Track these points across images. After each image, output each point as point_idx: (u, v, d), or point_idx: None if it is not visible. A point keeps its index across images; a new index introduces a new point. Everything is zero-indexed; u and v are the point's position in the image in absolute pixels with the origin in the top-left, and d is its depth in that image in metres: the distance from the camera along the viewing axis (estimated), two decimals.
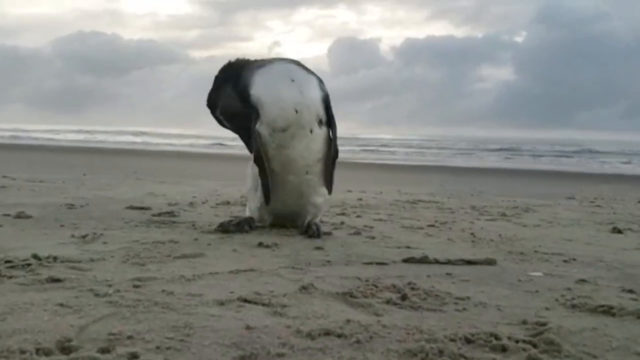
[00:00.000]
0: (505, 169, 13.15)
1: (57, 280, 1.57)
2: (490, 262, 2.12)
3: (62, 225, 2.61)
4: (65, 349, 1.08)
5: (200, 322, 1.26)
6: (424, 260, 2.10)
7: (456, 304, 1.52)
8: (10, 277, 1.60)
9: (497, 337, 1.20)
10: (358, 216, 3.44)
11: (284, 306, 1.42)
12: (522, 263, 2.16)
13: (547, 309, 1.50)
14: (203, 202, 3.84)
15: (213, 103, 2.91)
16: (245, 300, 1.45)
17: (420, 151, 22.48)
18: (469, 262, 2.10)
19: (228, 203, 3.84)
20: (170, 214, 3.12)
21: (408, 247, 2.39)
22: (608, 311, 1.47)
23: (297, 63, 2.69)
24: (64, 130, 37.27)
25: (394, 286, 1.65)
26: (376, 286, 1.65)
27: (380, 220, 3.30)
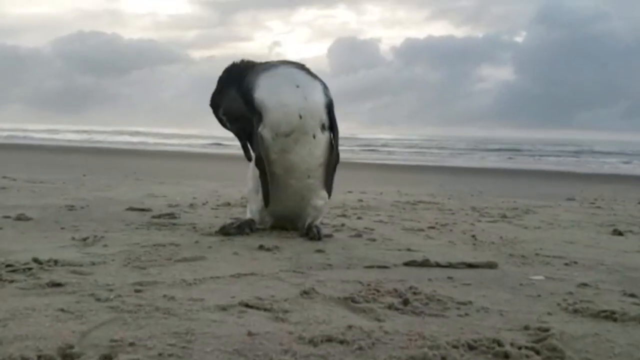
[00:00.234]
0: (505, 169, 13.15)
1: (58, 285, 1.56)
2: (491, 266, 2.11)
3: (62, 228, 2.61)
4: (67, 356, 1.08)
5: (201, 328, 1.26)
6: (425, 264, 2.10)
7: (458, 308, 1.51)
8: (12, 281, 1.59)
9: (499, 344, 1.20)
10: (359, 218, 3.43)
11: (286, 311, 1.42)
12: (524, 266, 2.16)
13: (549, 314, 1.50)
14: (203, 204, 3.84)
15: (216, 103, 2.90)
16: (247, 305, 1.45)
17: (420, 151, 22.49)
18: (471, 266, 2.10)
19: (228, 204, 3.84)
20: (171, 215, 3.12)
21: (409, 250, 2.38)
22: (610, 316, 1.47)
23: (302, 67, 2.68)
24: (63, 130, 37.28)
25: (396, 290, 1.65)
26: (378, 290, 1.65)
27: (380, 221, 3.30)
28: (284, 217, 2.76)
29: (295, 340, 1.21)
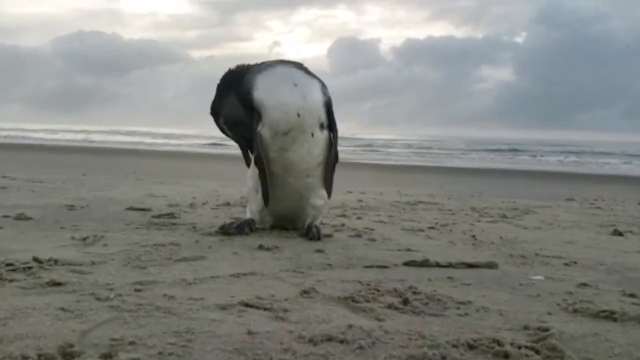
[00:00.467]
0: (504, 169, 13.15)
1: (58, 284, 1.56)
2: (491, 266, 2.11)
3: (62, 227, 2.61)
4: (67, 355, 1.08)
5: (202, 327, 1.26)
6: (425, 264, 2.10)
7: (458, 308, 1.51)
8: (11, 280, 1.59)
9: (499, 343, 1.20)
10: (358, 218, 3.44)
11: (286, 311, 1.42)
12: (523, 266, 2.16)
13: (548, 313, 1.50)
14: (203, 203, 3.84)
15: (216, 111, 2.93)
16: (247, 305, 1.45)
17: (420, 151, 22.49)
18: (470, 266, 2.10)
19: (228, 204, 3.84)
20: (171, 215, 3.12)
21: (409, 250, 2.39)
22: (610, 316, 1.47)
23: (300, 66, 2.69)
24: (63, 130, 37.28)
25: (396, 290, 1.65)
26: (378, 290, 1.65)
27: (380, 222, 3.30)
28: (283, 217, 2.77)
29: (295, 339, 1.21)
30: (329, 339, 1.21)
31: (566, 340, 1.26)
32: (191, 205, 3.72)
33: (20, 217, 2.80)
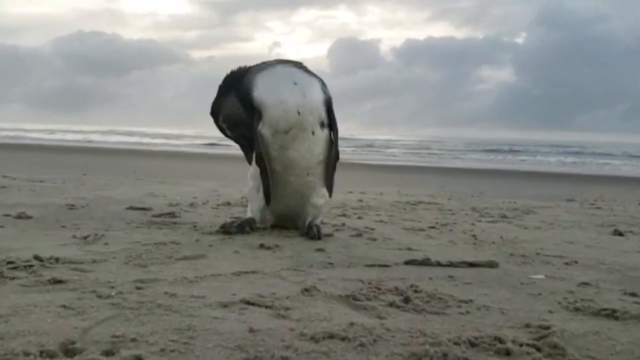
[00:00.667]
0: (504, 170, 13.15)
1: (60, 282, 1.57)
2: (492, 265, 2.11)
3: (63, 226, 2.61)
4: (69, 352, 1.08)
5: (203, 325, 1.26)
6: (425, 263, 2.10)
7: (459, 307, 1.52)
8: (13, 278, 1.60)
9: (501, 341, 1.20)
10: (359, 217, 3.44)
11: (287, 309, 1.42)
12: (524, 265, 2.16)
13: (550, 312, 1.50)
14: (204, 203, 3.84)
15: (216, 111, 2.93)
16: (248, 303, 1.45)
17: (420, 152, 22.49)
18: (471, 265, 2.10)
19: (229, 204, 3.84)
20: (171, 214, 3.12)
21: (409, 249, 2.39)
22: (611, 315, 1.47)
23: (300, 65, 2.70)
24: (63, 130, 37.30)
25: (397, 289, 1.65)
26: (379, 289, 1.65)
27: (381, 221, 3.30)
28: (284, 216, 2.77)
29: (296, 336, 1.21)
30: (331, 336, 1.21)
31: (568, 338, 1.26)
32: (191, 204, 3.72)
33: (21, 216, 2.80)
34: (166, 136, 32.29)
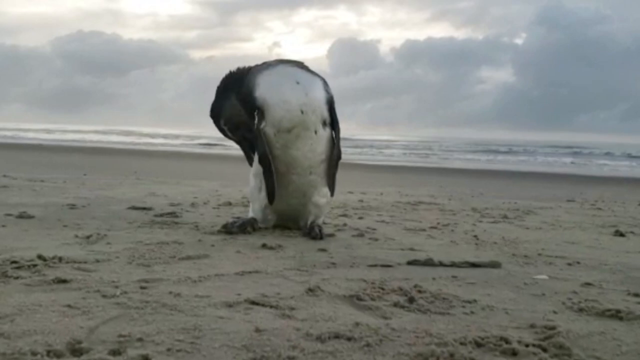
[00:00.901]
0: (504, 170, 13.16)
1: (64, 281, 1.56)
2: (494, 265, 2.12)
3: (65, 226, 2.61)
4: (75, 351, 1.08)
5: (209, 324, 1.26)
6: (428, 263, 2.10)
7: (463, 307, 1.52)
8: (17, 277, 1.59)
9: (507, 341, 1.20)
10: (360, 217, 3.44)
11: (292, 308, 1.42)
12: (527, 266, 2.16)
13: (554, 312, 1.50)
14: (204, 203, 3.84)
15: (217, 114, 2.93)
16: (253, 302, 1.45)
17: (420, 152, 22.50)
18: (474, 265, 2.10)
19: (229, 204, 3.84)
20: (173, 214, 3.12)
21: (412, 249, 2.39)
22: (616, 315, 1.47)
23: (301, 65, 2.70)
24: (62, 130, 37.27)
25: (401, 289, 1.65)
26: (382, 289, 1.65)
27: (382, 221, 3.30)
28: (286, 215, 2.77)
29: (302, 336, 1.21)
30: (336, 336, 1.21)
31: (573, 338, 1.26)
32: (192, 204, 3.72)
33: (22, 216, 2.80)
34: (166, 136, 32.30)
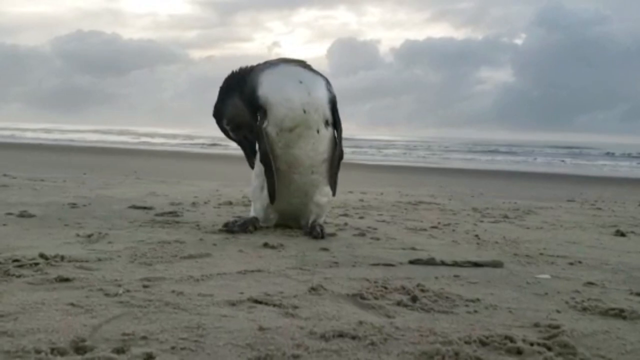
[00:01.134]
0: (503, 171, 13.16)
1: (66, 280, 1.56)
2: (497, 265, 2.11)
3: (66, 225, 2.61)
4: (79, 349, 1.07)
5: (212, 323, 1.26)
6: (430, 262, 2.10)
7: (467, 306, 1.51)
8: (19, 276, 1.59)
9: (511, 340, 1.20)
10: (361, 217, 3.43)
11: (295, 307, 1.42)
12: (529, 265, 2.16)
13: (557, 311, 1.50)
14: (205, 202, 3.83)
15: (219, 114, 2.92)
16: (256, 301, 1.45)
17: (419, 152, 22.51)
18: (476, 264, 2.09)
19: (230, 203, 3.84)
20: (174, 214, 3.12)
21: (413, 249, 2.38)
22: (619, 314, 1.47)
23: (304, 64, 2.70)
24: (61, 129, 37.26)
25: (403, 288, 1.65)
26: (385, 288, 1.65)
27: (383, 221, 3.30)
28: (287, 215, 2.77)
29: (306, 335, 1.21)
30: (341, 335, 1.21)
31: (577, 337, 1.26)
32: (193, 204, 3.71)
33: (23, 215, 2.79)
34: (165, 136, 32.30)
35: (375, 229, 2.94)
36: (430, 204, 4.52)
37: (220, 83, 2.91)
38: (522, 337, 1.23)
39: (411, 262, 2.11)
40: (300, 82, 2.58)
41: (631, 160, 20.47)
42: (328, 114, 2.62)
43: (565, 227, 3.45)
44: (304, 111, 2.54)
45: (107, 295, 1.44)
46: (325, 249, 2.28)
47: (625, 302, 1.62)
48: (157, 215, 3.06)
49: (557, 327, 1.31)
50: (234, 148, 3.09)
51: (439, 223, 3.29)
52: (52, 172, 6.14)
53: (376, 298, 1.54)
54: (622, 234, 3.17)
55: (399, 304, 1.50)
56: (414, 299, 1.53)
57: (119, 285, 1.54)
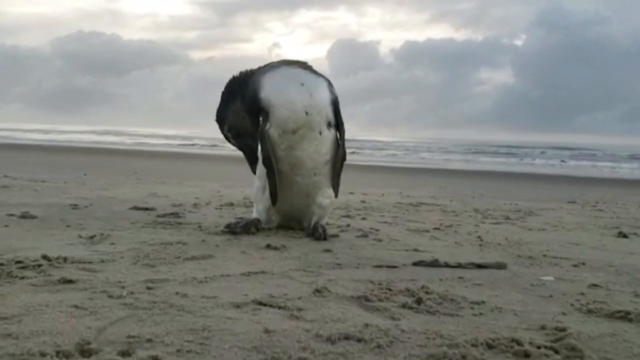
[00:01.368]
0: (503, 172, 13.16)
1: (70, 282, 1.56)
2: (500, 266, 2.11)
3: (68, 226, 2.60)
4: (85, 352, 1.07)
5: (217, 325, 1.25)
6: (434, 264, 2.09)
7: (472, 308, 1.51)
8: (22, 277, 1.58)
9: (518, 343, 1.19)
10: (363, 218, 3.43)
11: (300, 309, 1.41)
12: (532, 267, 2.15)
13: (563, 314, 1.50)
14: (207, 204, 3.83)
15: (221, 119, 2.91)
16: (261, 303, 1.44)
17: (419, 153, 22.50)
18: (480, 266, 2.09)
19: (231, 204, 3.83)
20: (175, 215, 3.11)
21: (416, 250, 2.38)
22: (625, 317, 1.46)
23: (305, 66, 2.69)
24: (61, 130, 37.25)
25: (408, 290, 1.64)
26: (390, 290, 1.64)
27: (385, 222, 3.29)
28: (290, 216, 2.76)
29: (312, 337, 1.20)
30: (346, 337, 1.20)
31: (584, 340, 1.26)
32: (195, 205, 3.71)
33: (25, 216, 2.78)
34: (166, 137, 32.27)
35: (378, 230, 2.93)
36: (432, 205, 4.51)
37: (220, 84, 2.90)
38: (528, 339, 1.22)
39: (415, 264, 2.10)
40: (302, 84, 2.57)
41: (631, 161, 20.47)
42: (330, 115, 2.62)
43: (567, 228, 3.45)
44: (306, 113, 2.54)
45: (111, 297, 1.43)
46: (328, 251, 2.28)
47: (630, 304, 1.61)
48: (158, 216, 3.05)
49: (563, 329, 1.31)
50: (234, 149, 3.08)
51: (441, 224, 3.28)
52: (52, 173, 6.13)
53: (381, 300, 1.54)
54: (625, 236, 3.17)
55: (404, 306, 1.49)
56: (419, 301, 1.52)
57: (123, 287, 1.53)
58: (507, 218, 3.79)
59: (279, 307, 1.42)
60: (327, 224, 2.85)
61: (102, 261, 1.87)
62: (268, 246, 2.28)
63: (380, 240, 2.61)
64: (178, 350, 1.09)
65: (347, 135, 2.79)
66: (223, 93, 2.87)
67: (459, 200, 5.08)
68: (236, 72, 2.84)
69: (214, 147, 21.02)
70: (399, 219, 3.48)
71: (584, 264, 2.25)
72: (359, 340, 1.19)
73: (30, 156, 10.49)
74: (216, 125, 2.99)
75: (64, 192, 4.12)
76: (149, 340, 1.13)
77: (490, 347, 1.19)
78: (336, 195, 2.76)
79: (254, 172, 2.82)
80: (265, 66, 2.73)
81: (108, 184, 5.05)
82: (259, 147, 2.69)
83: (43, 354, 1.03)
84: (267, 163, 2.59)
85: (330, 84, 2.66)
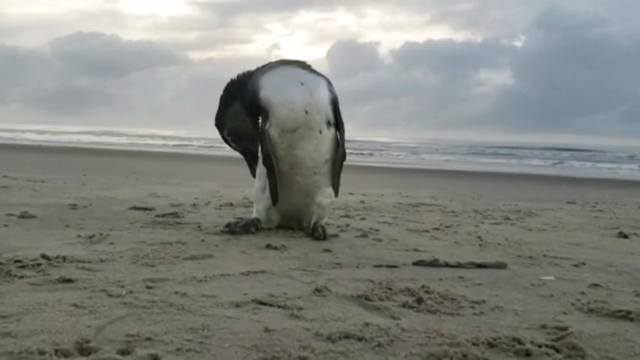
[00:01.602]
0: (503, 172, 13.16)
1: (69, 281, 1.55)
2: (500, 266, 2.10)
3: (67, 226, 2.60)
4: (84, 350, 1.06)
5: (217, 324, 1.25)
6: (434, 264, 2.09)
7: (472, 307, 1.50)
8: (21, 277, 1.58)
9: (519, 342, 1.19)
10: (362, 218, 3.43)
11: (300, 308, 1.40)
12: (533, 267, 2.15)
13: (564, 313, 1.49)
14: (206, 204, 3.82)
15: (221, 123, 2.89)
16: (260, 302, 1.44)
17: (419, 154, 22.51)
18: (480, 266, 2.09)
19: (231, 204, 3.83)
20: (175, 214, 3.11)
21: (416, 250, 2.38)
22: (626, 316, 1.46)
23: (305, 65, 2.69)
24: (61, 131, 37.24)
25: (408, 289, 1.64)
26: (390, 289, 1.64)
27: (385, 222, 3.29)
28: (289, 216, 2.76)
29: (312, 336, 1.20)
30: (347, 336, 1.20)
31: (585, 339, 1.25)
32: (194, 205, 3.70)
33: (24, 215, 2.78)
34: (165, 137, 32.27)
35: (377, 230, 2.93)
36: (431, 205, 4.51)
37: (220, 84, 2.89)
38: (530, 338, 1.22)
39: (415, 264, 2.10)
40: (302, 84, 2.57)
41: (631, 162, 20.48)
42: (330, 114, 2.62)
43: (567, 228, 3.44)
44: (306, 112, 2.53)
45: (110, 296, 1.43)
46: (327, 250, 2.27)
47: (631, 303, 1.61)
48: (158, 216, 3.05)
49: (564, 329, 1.30)
50: (227, 149, 3.06)
51: (440, 224, 3.28)
52: (52, 173, 6.13)
53: (381, 299, 1.53)
54: (625, 236, 3.17)
55: (404, 305, 1.48)
56: (419, 300, 1.52)
57: (122, 286, 1.53)
58: (507, 218, 3.79)
59: (279, 306, 1.41)
60: (327, 223, 2.84)
61: (102, 260, 1.86)
62: (268, 246, 2.28)
63: (380, 240, 2.61)
64: (177, 349, 1.09)
65: (346, 135, 2.79)
66: (221, 97, 2.86)
67: (458, 201, 5.08)
68: (234, 75, 2.83)
69: (211, 148, 21.01)
70: (399, 219, 3.48)
71: (584, 264, 2.25)
72: (360, 339, 1.19)
73: (30, 156, 10.48)
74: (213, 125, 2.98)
75: (63, 192, 4.11)
76: (149, 339, 1.12)
77: (491, 345, 1.18)
78: (336, 195, 2.75)
79: (254, 177, 2.81)
80: (263, 66, 2.73)
81: (107, 184, 5.05)
82: (259, 147, 2.68)
83: (42, 353, 1.03)
84: (268, 162, 2.59)
85: (329, 83, 2.66)
